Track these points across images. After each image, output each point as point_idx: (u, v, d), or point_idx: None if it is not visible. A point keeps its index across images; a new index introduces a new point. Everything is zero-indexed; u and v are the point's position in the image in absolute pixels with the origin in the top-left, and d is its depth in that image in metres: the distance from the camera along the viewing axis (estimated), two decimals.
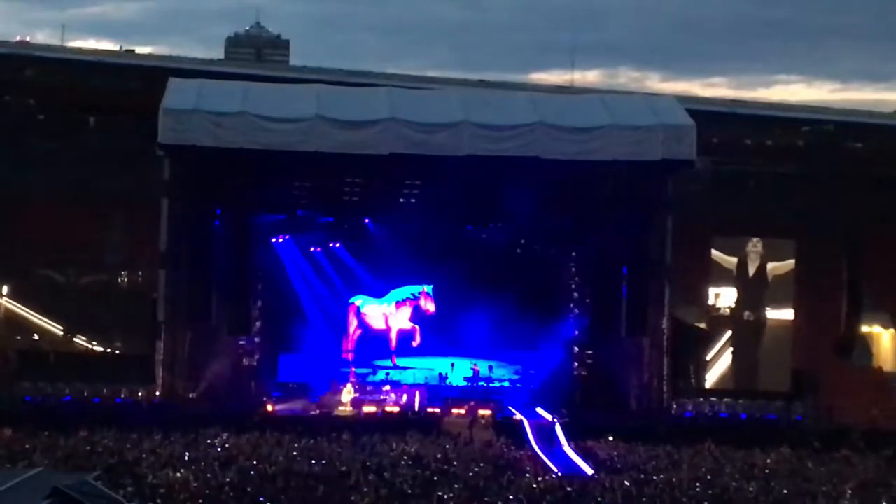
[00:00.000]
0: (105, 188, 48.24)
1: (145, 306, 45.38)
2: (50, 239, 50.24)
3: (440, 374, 50.29)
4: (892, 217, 49.49)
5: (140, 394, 43.53)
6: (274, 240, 50.48)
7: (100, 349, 50.82)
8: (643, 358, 45.86)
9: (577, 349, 49.97)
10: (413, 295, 51.77)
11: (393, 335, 51.72)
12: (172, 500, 27.23)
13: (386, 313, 51.87)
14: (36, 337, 51.27)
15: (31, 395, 43.23)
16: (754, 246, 47.58)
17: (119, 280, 52.51)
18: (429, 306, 51.49)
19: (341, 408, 45.18)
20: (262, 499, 27.80)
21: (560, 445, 38.19)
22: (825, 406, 45.09)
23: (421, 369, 50.50)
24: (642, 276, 45.63)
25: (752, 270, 47.56)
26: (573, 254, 51.17)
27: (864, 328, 51.63)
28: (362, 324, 51.65)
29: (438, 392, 47.95)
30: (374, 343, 51.55)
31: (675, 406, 44.74)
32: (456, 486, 30.24)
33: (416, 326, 51.46)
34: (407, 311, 51.75)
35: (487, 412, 44.63)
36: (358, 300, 51.69)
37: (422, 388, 47.87)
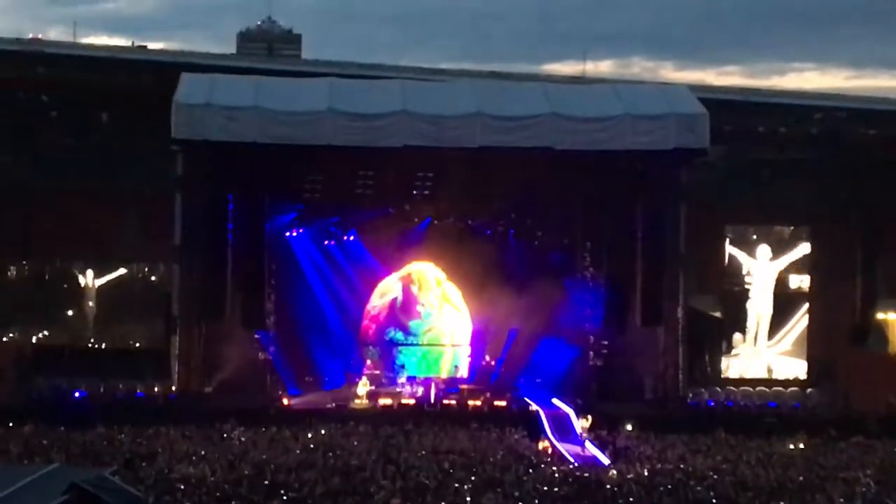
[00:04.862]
0: (118, 183, 48.28)
1: (160, 301, 45.44)
2: (63, 234, 50.28)
3: (455, 366, 50.30)
4: None
5: (156, 389, 43.63)
6: (288, 233, 50.47)
7: (115, 344, 50.85)
8: (658, 347, 45.79)
9: (592, 339, 49.86)
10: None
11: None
12: (190, 494, 27.25)
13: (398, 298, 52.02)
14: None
15: (47, 391, 43.34)
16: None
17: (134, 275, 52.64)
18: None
19: (357, 401, 45.20)
20: (280, 492, 27.81)
21: (576, 435, 38.15)
22: (841, 393, 45.03)
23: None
24: (657, 266, 45.53)
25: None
26: (587, 244, 51.07)
27: (880, 315, 51.49)
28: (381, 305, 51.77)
29: (453, 383, 47.95)
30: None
31: (690, 395, 44.70)
32: (473, 477, 30.26)
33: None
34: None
35: (503, 403, 44.76)
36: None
37: (437, 380, 47.88)
